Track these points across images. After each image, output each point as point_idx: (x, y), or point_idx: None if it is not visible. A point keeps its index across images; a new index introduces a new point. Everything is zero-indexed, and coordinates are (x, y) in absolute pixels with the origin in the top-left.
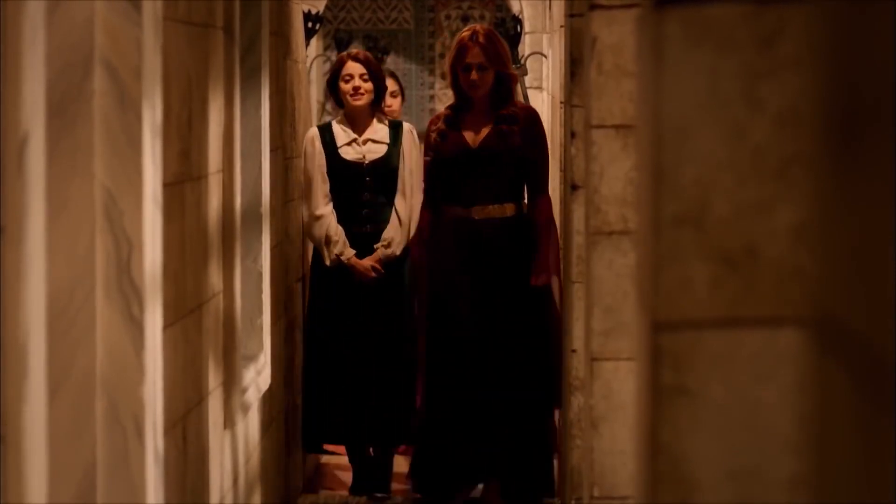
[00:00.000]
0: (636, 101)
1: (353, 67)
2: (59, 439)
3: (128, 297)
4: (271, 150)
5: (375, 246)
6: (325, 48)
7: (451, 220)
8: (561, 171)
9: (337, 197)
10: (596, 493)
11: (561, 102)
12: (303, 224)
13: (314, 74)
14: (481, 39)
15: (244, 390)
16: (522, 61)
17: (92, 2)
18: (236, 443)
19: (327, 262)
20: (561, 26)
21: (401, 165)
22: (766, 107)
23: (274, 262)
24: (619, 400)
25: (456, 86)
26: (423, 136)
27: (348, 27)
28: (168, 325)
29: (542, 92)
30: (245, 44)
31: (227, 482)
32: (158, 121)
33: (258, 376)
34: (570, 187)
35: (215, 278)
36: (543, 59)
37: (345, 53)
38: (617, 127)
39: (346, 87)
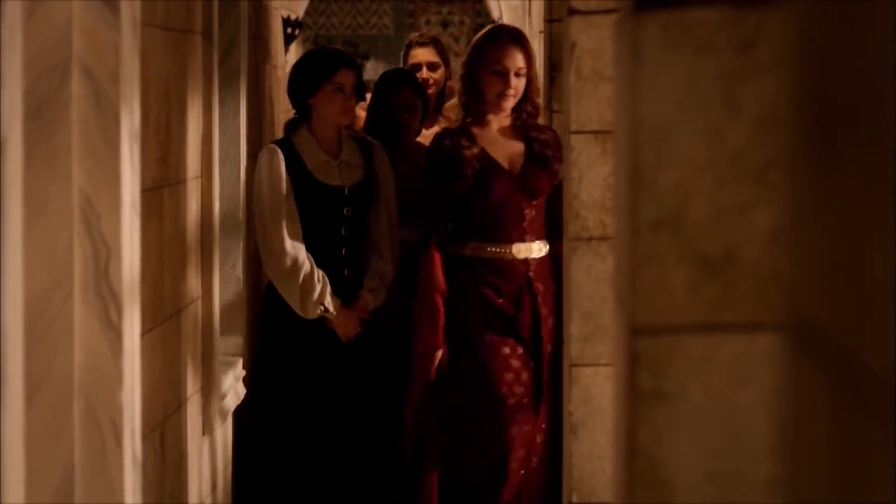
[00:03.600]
0: (614, 104)
1: (347, 77)
2: (37, 444)
3: (105, 302)
4: (250, 156)
5: (360, 292)
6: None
7: (476, 260)
8: None
9: (307, 231)
10: (575, 499)
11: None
12: (265, 265)
13: None
14: (522, 39)
15: (223, 396)
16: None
17: (70, 6)
18: (215, 448)
19: (306, 315)
20: (540, 31)
21: (378, 191)
22: (744, 110)
23: (253, 268)
24: (597, 405)
25: (476, 94)
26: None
27: (328, 32)
28: (146, 330)
29: None
30: (223, 48)
31: (206, 488)
32: (136, 125)
33: (237, 382)
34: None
35: (194, 284)
36: None
37: (332, 53)
38: (595, 132)
39: (336, 100)
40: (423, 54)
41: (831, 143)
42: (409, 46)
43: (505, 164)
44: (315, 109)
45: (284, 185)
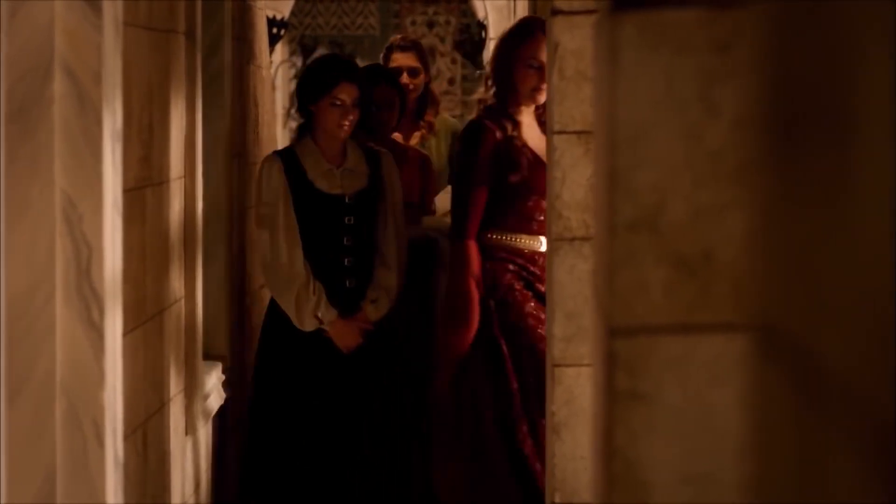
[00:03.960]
0: (593, 105)
1: (348, 92)
2: (19, 443)
3: (87, 302)
4: (234, 156)
5: (363, 303)
6: (291, 53)
7: (511, 252)
8: None
9: (308, 241)
10: (558, 499)
11: None
12: (263, 275)
13: (279, 80)
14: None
15: (206, 396)
16: (487, 67)
17: (52, 7)
18: (198, 448)
19: (303, 327)
20: None
21: (384, 200)
22: (722, 111)
23: (237, 268)
24: (580, 406)
25: (510, 87)
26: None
27: (314, 33)
28: (128, 330)
29: None
30: (207, 49)
31: (189, 487)
32: (119, 126)
33: (221, 382)
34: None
35: (177, 284)
36: None
37: (336, 64)
38: (578, 133)
39: (334, 113)
40: (403, 59)
41: (799, 146)
42: (391, 50)
43: (543, 157)
44: (316, 118)
45: (282, 194)
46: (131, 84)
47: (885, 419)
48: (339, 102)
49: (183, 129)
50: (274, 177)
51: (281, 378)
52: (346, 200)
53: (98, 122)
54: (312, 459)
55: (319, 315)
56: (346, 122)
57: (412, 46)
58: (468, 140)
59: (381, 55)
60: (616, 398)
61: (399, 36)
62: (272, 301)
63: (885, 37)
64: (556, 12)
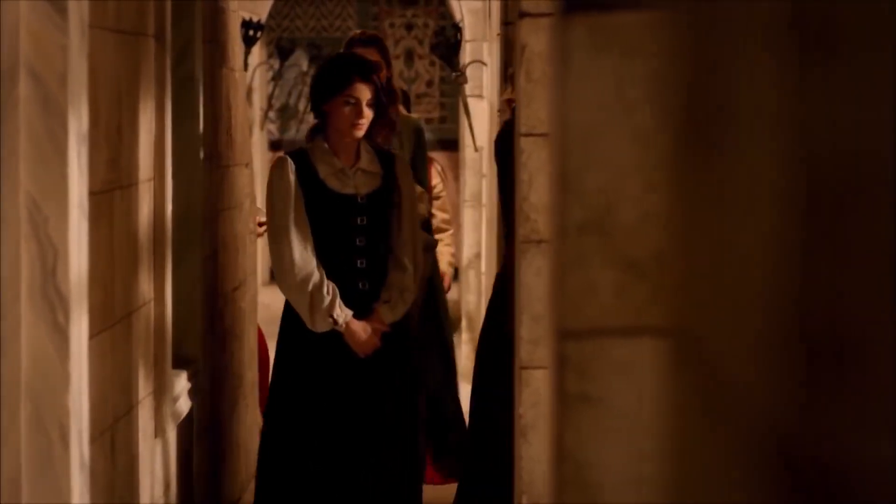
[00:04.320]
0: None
1: (363, 91)
2: None
3: (53, 305)
4: (206, 159)
5: (375, 304)
6: (269, 56)
7: None
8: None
9: (320, 242)
10: (525, 502)
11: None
12: (276, 277)
13: (257, 82)
14: None
15: (176, 399)
16: (463, 70)
17: (17, 8)
18: (168, 451)
19: (315, 328)
20: (498, 34)
21: (398, 201)
22: (672, 113)
23: (209, 271)
24: (547, 408)
25: None
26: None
27: (292, 35)
28: (95, 332)
29: (483, 100)
30: (178, 52)
31: (159, 490)
32: (85, 128)
33: (191, 385)
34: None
35: (146, 286)
36: (484, 67)
37: (351, 63)
38: (545, 135)
39: (348, 112)
40: (364, 54)
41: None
42: (351, 45)
43: None
44: (329, 117)
45: (293, 195)
46: (98, 86)
47: (771, 426)
48: (352, 101)
49: (152, 131)
50: (285, 177)
51: (296, 382)
52: (359, 200)
53: (63, 125)
54: (326, 461)
55: (334, 315)
56: (361, 122)
57: (373, 41)
58: (507, 138)
59: (342, 51)
60: (567, 401)
61: (359, 31)
62: (287, 305)
63: (759, 36)
64: (523, 14)
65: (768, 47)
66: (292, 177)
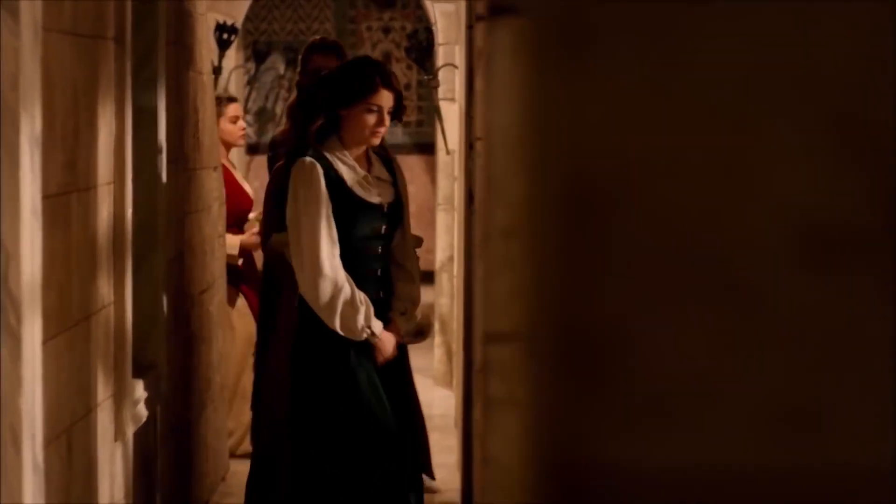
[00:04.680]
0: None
1: (386, 99)
2: None
3: (5, 308)
4: (170, 161)
5: (391, 314)
6: (246, 59)
7: None
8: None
9: (344, 251)
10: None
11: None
12: (301, 287)
13: (233, 86)
14: None
15: (136, 402)
16: (435, 73)
17: None
18: (128, 454)
19: (355, 337)
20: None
21: (404, 209)
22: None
23: (175, 273)
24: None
25: None
26: None
27: (269, 38)
28: (50, 336)
29: (454, 104)
30: (141, 54)
31: (119, 493)
32: (38, 131)
33: (154, 388)
34: (469, 198)
35: (105, 289)
36: (456, 70)
37: (376, 70)
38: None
39: (369, 119)
40: (323, 61)
41: None
42: (310, 51)
43: None
44: (345, 122)
45: (324, 203)
46: (53, 89)
47: None
48: (375, 109)
49: (112, 134)
50: (315, 185)
51: (316, 386)
52: (385, 210)
53: (15, 128)
54: (349, 463)
55: (372, 327)
56: (381, 130)
57: (332, 48)
58: None
59: (300, 57)
60: (489, 404)
61: (318, 37)
62: (301, 309)
63: None
64: (479, 18)
65: None
66: (322, 184)
